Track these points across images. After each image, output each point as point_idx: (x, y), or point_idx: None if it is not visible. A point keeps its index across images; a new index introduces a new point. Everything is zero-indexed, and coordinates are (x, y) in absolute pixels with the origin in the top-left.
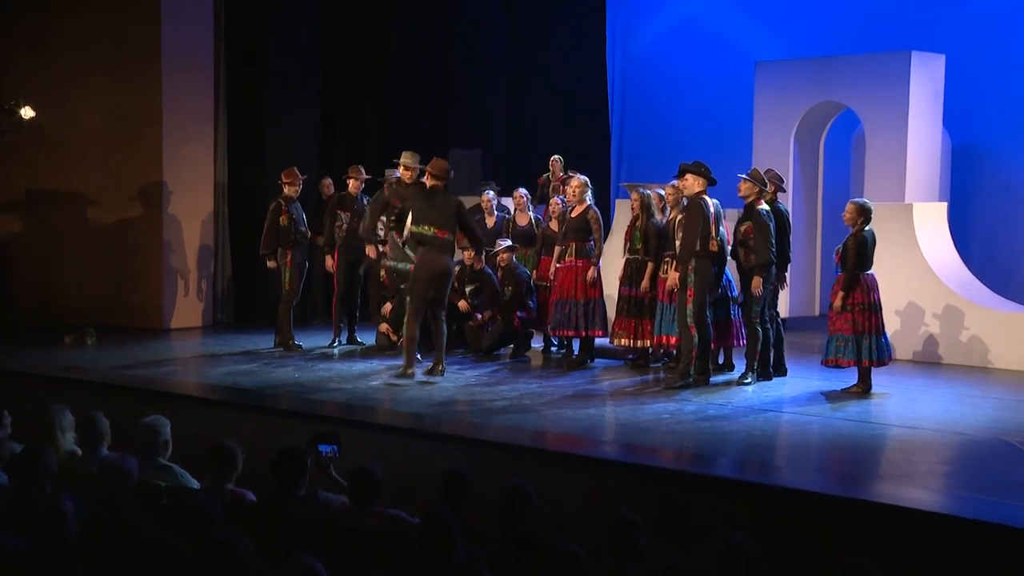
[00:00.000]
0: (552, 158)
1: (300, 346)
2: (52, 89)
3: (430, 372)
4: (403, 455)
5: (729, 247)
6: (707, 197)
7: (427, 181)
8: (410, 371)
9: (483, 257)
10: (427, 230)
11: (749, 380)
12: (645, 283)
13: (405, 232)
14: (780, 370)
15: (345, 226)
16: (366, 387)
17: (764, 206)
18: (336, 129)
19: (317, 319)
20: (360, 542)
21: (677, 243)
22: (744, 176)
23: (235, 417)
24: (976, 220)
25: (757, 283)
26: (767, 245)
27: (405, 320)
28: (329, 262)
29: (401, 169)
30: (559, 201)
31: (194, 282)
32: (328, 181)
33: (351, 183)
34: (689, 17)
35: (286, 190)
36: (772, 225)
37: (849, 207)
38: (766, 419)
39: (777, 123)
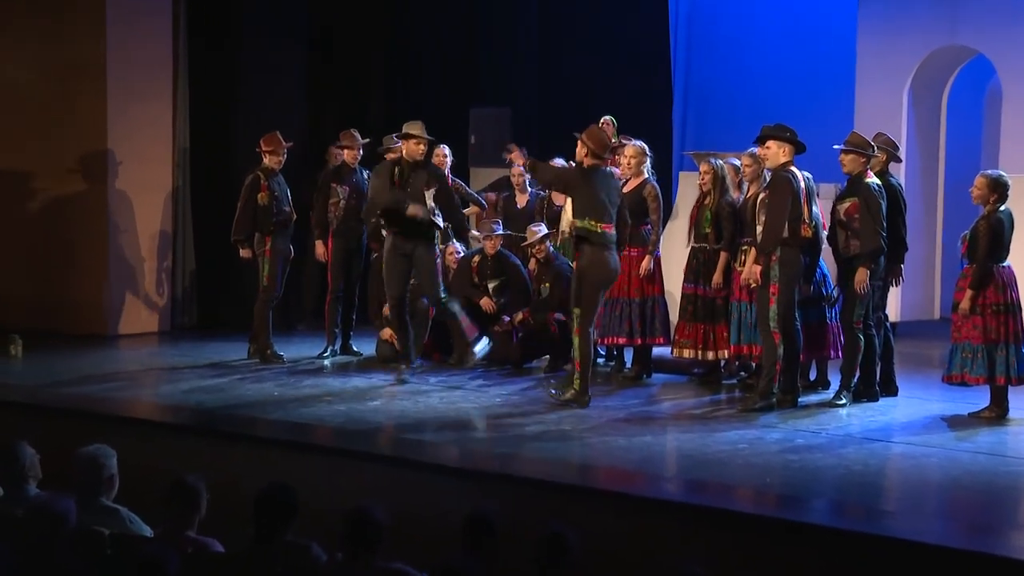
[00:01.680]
0: (603, 120)
1: (281, 356)
2: None
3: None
4: (411, 494)
5: (825, 231)
6: (795, 169)
7: (585, 160)
8: (586, 398)
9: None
10: (591, 224)
11: (844, 401)
12: (717, 277)
13: (565, 225)
14: (889, 388)
15: (343, 204)
16: (365, 408)
17: (874, 179)
18: (327, 84)
19: (303, 323)
20: None
21: (758, 227)
22: (843, 147)
23: (199, 446)
24: None
25: (862, 276)
26: (877, 228)
27: (575, 340)
28: (321, 250)
29: (406, 143)
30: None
31: (148, 277)
32: (338, 151)
33: (346, 153)
34: None
35: (266, 160)
36: (884, 203)
37: (979, 181)
38: (871, 451)
39: (887, 75)
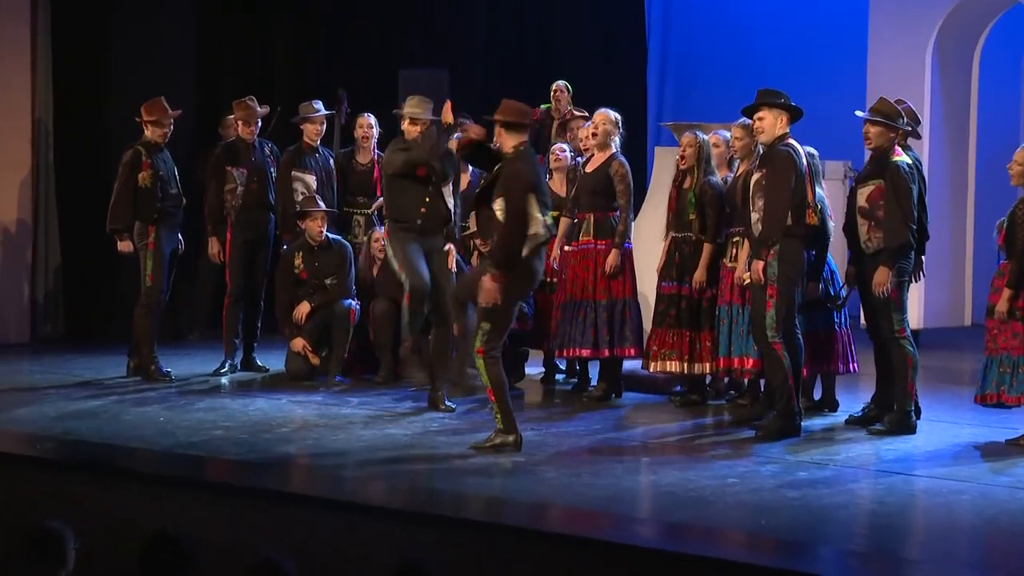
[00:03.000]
0: (555, 85)
1: (168, 374)
2: None
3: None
4: (328, 541)
5: (832, 219)
6: (795, 143)
7: (507, 142)
8: (517, 436)
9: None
10: (552, 217)
11: (887, 427)
12: (699, 274)
13: (535, 228)
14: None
15: (240, 190)
16: (272, 437)
17: (904, 157)
18: (223, 38)
19: (196, 332)
20: None
21: (754, 214)
22: (868, 116)
23: (66, 485)
24: None
25: (883, 278)
26: (905, 218)
27: (480, 363)
28: (215, 248)
29: (406, 123)
30: (563, 151)
31: (3, 276)
32: (231, 119)
33: (241, 126)
34: None
35: (148, 133)
36: (915, 188)
37: (1020, 156)
38: (889, 486)
39: (905, 31)
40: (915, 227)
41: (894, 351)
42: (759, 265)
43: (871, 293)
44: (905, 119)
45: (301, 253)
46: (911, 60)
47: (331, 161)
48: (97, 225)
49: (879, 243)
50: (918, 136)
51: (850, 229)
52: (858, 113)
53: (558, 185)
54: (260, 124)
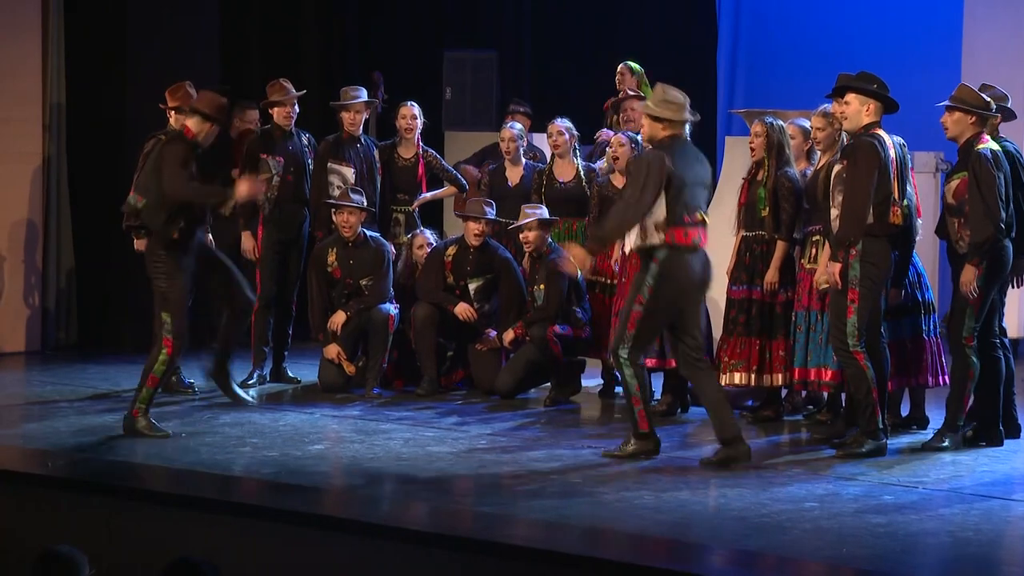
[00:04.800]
0: (620, 67)
1: (191, 385)
2: None
3: None
4: (367, 570)
5: (920, 218)
6: (884, 133)
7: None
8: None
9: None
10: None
11: (947, 443)
12: (771, 274)
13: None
14: (1009, 428)
15: (276, 180)
16: (304, 455)
17: (989, 145)
18: (249, 18)
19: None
20: None
21: (833, 210)
22: (950, 103)
23: (79, 506)
24: None
25: (969, 276)
26: (989, 211)
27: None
28: (249, 244)
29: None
30: (628, 141)
31: (11, 278)
32: (252, 114)
33: (276, 112)
34: None
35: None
36: (1001, 178)
37: None
38: (985, 512)
39: (1004, 5)
40: (1003, 219)
41: (956, 358)
42: (836, 268)
43: (956, 295)
44: (994, 105)
45: (335, 249)
46: (1011, 39)
47: (374, 152)
48: (113, 222)
49: (966, 243)
50: (1012, 115)
51: (943, 229)
52: (941, 104)
53: (623, 181)
54: (298, 109)
